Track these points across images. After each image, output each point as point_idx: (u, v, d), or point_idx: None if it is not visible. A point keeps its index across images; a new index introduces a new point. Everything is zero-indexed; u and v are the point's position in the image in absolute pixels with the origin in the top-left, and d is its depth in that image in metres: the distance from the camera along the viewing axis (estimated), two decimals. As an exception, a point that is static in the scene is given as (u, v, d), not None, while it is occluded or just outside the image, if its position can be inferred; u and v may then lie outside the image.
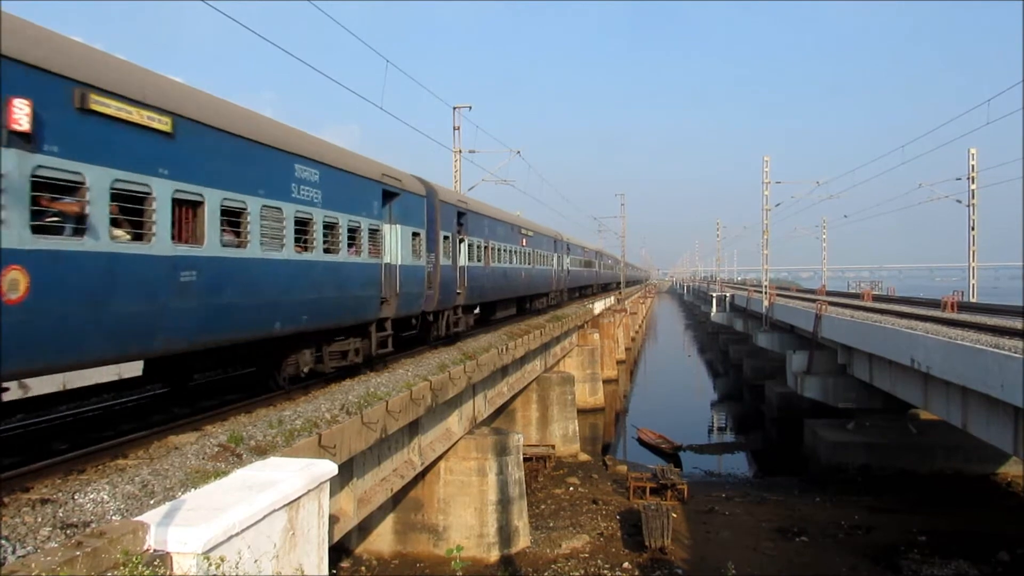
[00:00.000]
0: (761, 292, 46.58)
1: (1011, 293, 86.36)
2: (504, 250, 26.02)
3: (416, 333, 18.81)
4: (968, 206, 36.08)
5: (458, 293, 20.01)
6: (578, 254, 49.91)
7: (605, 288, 77.00)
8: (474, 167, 54.97)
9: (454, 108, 33.93)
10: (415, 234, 16.17)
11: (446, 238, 18.75)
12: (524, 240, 29.53)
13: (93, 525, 5.71)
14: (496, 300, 26.68)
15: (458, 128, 33.91)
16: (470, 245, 21.32)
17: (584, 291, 59.50)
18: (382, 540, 18.82)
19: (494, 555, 18.65)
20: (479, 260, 22.42)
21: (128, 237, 7.49)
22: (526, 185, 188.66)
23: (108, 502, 6.31)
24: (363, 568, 18.14)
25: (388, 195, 14.79)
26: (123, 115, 7.30)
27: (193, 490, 6.69)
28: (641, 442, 36.66)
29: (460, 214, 20.45)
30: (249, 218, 9.51)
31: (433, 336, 18.92)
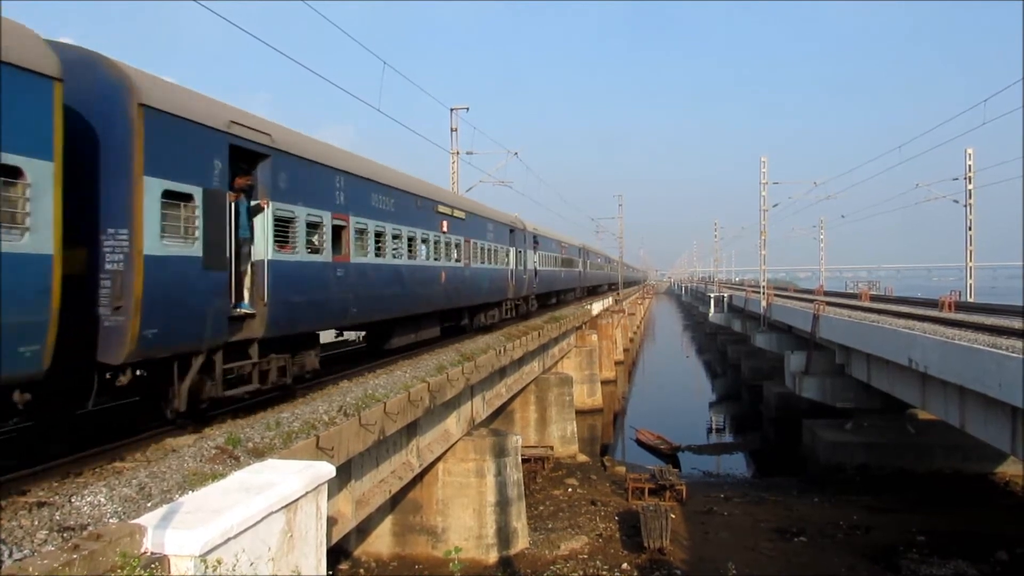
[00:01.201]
0: (759, 292, 46.62)
1: (1009, 293, 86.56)
2: (397, 236, 15.79)
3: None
4: (965, 206, 36.17)
5: (243, 316, 10.15)
6: (551, 249, 38.66)
7: (593, 292, 67.00)
8: (472, 169, 54.63)
9: (451, 109, 34.01)
10: None
11: (179, 198, 8.72)
12: (445, 224, 19.45)
13: (90, 528, 5.70)
14: (390, 319, 16.01)
15: (455, 130, 33.99)
16: (286, 220, 11.04)
17: (563, 297, 48.01)
18: (381, 542, 18.81)
19: (493, 556, 18.64)
20: (312, 249, 11.88)
21: None
22: (525, 186, 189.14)
23: (105, 505, 6.30)
24: (361, 570, 18.13)
25: None
26: None
27: (191, 492, 6.68)
28: (639, 443, 36.68)
29: (241, 153, 10.06)
30: None
31: (172, 411, 9.00)
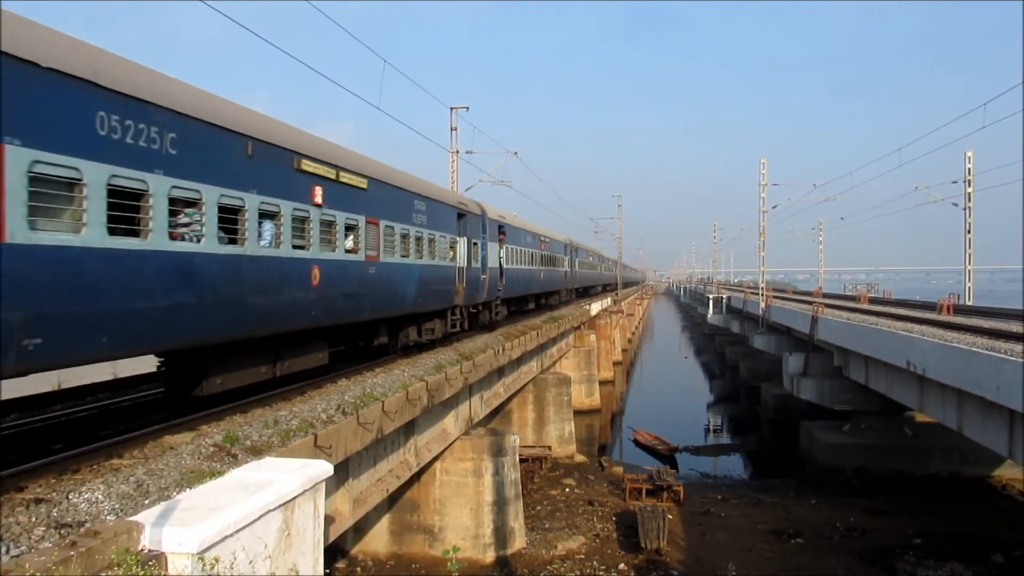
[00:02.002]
0: (758, 294, 46.65)
1: (1008, 296, 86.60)
2: (192, 202, 8.87)
3: None
4: (964, 209, 36.21)
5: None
6: (525, 243, 31.13)
7: (584, 294, 61.20)
8: (472, 168, 54.56)
9: (451, 108, 33.99)
10: None
11: None
12: (319, 192, 12.26)
13: (87, 525, 5.69)
14: (188, 348, 9.37)
15: (455, 129, 33.97)
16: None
17: (546, 300, 40.60)
18: (378, 541, 18.80)
19: (490, 556, 18.64)
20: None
21: None
22: (524, 186, 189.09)
23: (103, 502, 6.29)
24: (359, 569, 18.13)
25: None
26: None
27: (188, 490, 6.68)
28: (637, 443, 36.69)
29: None
30: None
31: None
